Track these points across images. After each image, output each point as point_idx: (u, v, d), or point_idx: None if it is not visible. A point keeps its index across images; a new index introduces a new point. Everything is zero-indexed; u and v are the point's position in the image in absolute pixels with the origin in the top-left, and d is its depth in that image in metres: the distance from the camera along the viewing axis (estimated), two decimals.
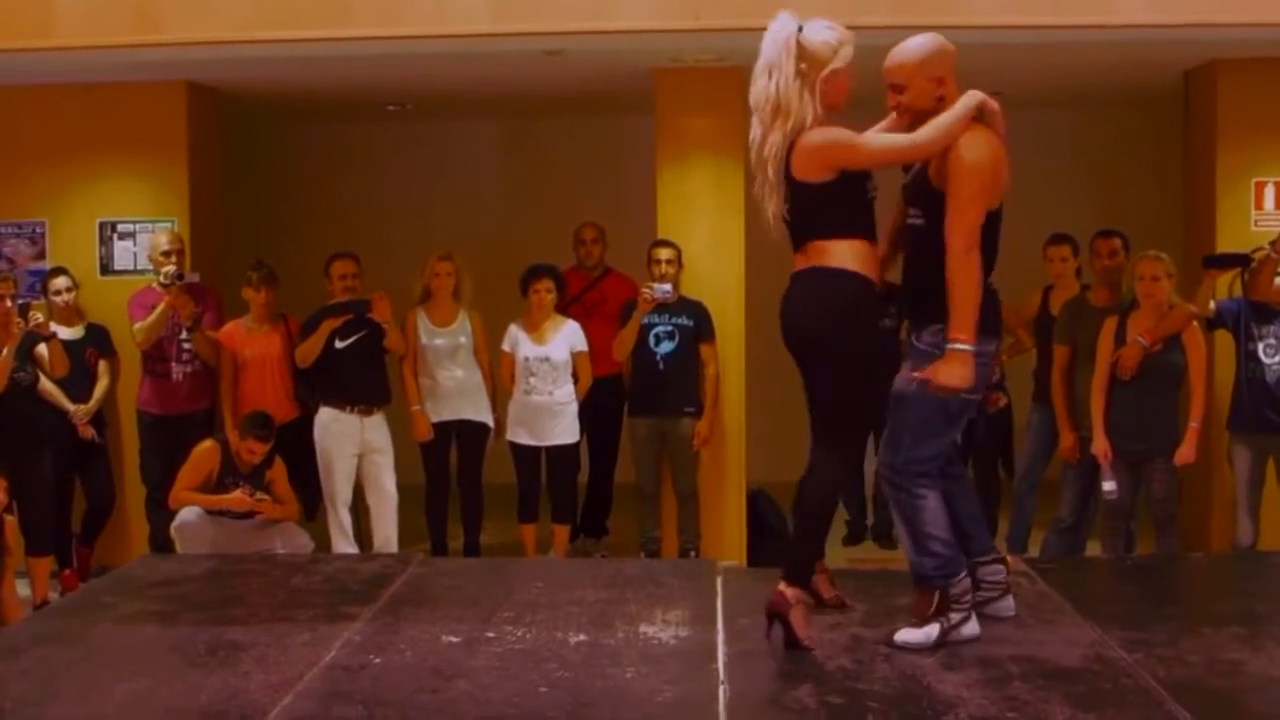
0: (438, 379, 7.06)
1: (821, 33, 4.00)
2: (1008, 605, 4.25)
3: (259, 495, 6.49)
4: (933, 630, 3.96)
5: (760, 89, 4.02)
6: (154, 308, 6.96)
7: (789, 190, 4.03)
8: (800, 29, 3.99)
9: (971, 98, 3.93)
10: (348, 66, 7.16)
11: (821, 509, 4.15)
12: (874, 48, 4.03)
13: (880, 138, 4.06)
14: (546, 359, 7.01)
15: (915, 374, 3.95)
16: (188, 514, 6.46)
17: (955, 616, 3.99)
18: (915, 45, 4.01)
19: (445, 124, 9.76)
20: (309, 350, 6.80)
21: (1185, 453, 6.05)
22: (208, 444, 6.59)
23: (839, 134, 3.98)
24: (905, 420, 3.99)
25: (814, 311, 4.04)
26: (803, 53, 3.97)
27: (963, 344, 3.85)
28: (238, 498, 6.44)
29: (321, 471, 6.84)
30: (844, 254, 4.01)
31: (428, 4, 6.37)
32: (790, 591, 4.02)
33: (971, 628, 4.02)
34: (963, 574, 4.03)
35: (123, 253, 7.66)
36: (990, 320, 3.99)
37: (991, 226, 3.96)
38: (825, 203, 4.02)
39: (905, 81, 3.98)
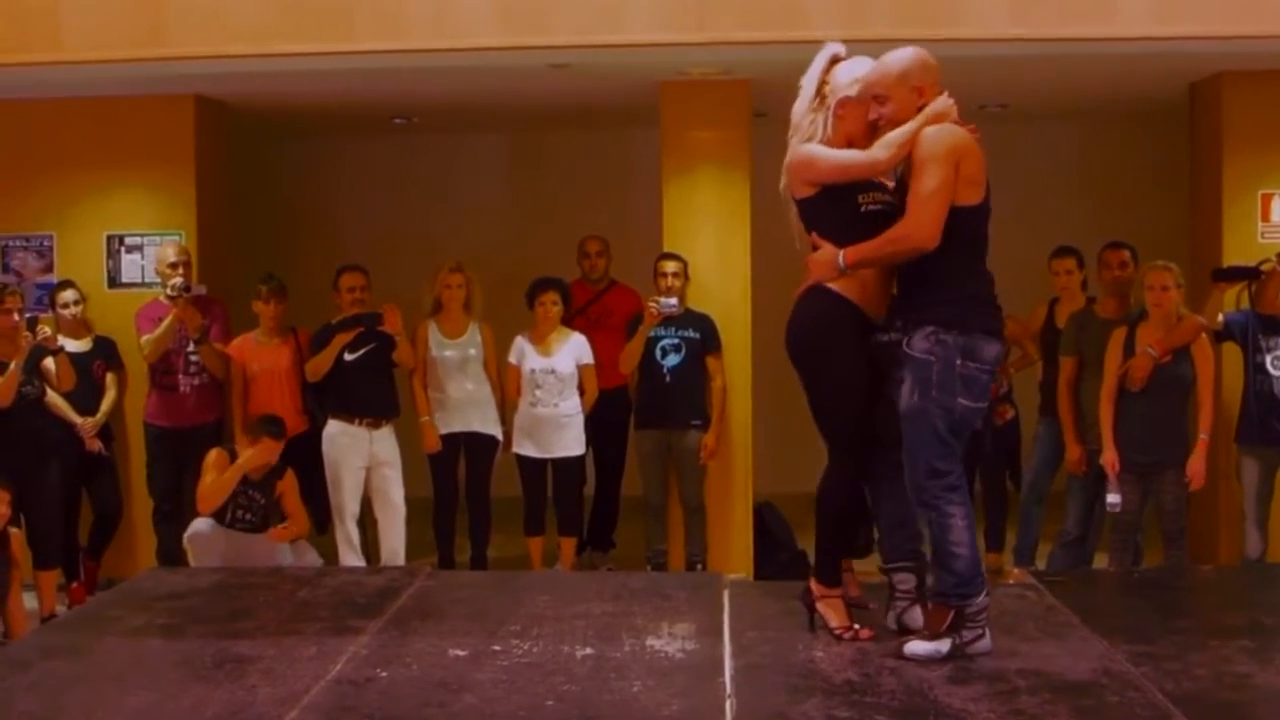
0: (447, 391, 7.06)
1: (853, 63, 4.10)
2: (916, 615, 4.19)
3: (273, 527, 6.50)
4: (943, 645, 3.95)
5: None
6: (161, 320, 6.97)
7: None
8: (840, 58, 4.10)
9: (927, 112, 3.95)
10: (354, 80, 7.18)
11: (826, 509, 4.25)
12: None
13: (837, 152, 4.08)
14: (553, 371, 7.01)
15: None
16: (200, 525, 6.45)
17: (968, 634, 3.98)
18: (895, 58, 4.04)
19: (451, 137, 9.77)
20: (320, 364, 6.80)
21: (1196, 467, 6.02)
22: (217, 451, 6.58)
23: (807, 149, 4.08)
24: (912, 436, 3.99)
25: (791, 326, 4.17)
26: (827, 78, 4.09)
27: (844, 257, 3.96)
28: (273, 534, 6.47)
29: (329, 484, 6.84)
30: None
31: (433, 18, 6.38)
32: (816, 587, 4.27)
33: (984, 644, 4.01)
34: (981, 594, 4.01)
35: (130, 266, 7.68)
36: (986, 319, 4.01)
37: (977, 222, 3.98)
38: (813, 218, 4.11)
39: (887, 93, 4.01)
